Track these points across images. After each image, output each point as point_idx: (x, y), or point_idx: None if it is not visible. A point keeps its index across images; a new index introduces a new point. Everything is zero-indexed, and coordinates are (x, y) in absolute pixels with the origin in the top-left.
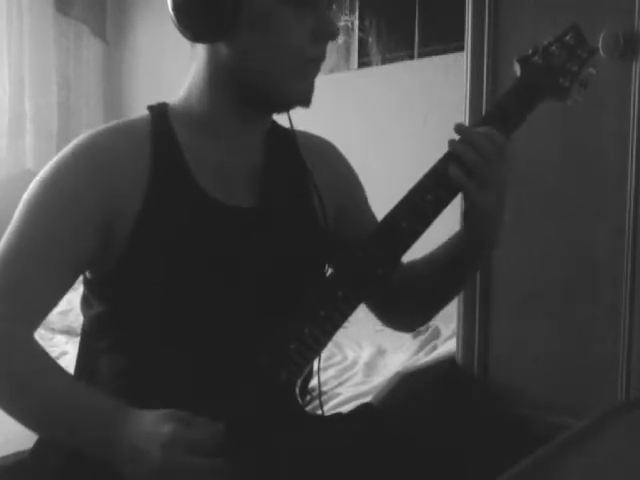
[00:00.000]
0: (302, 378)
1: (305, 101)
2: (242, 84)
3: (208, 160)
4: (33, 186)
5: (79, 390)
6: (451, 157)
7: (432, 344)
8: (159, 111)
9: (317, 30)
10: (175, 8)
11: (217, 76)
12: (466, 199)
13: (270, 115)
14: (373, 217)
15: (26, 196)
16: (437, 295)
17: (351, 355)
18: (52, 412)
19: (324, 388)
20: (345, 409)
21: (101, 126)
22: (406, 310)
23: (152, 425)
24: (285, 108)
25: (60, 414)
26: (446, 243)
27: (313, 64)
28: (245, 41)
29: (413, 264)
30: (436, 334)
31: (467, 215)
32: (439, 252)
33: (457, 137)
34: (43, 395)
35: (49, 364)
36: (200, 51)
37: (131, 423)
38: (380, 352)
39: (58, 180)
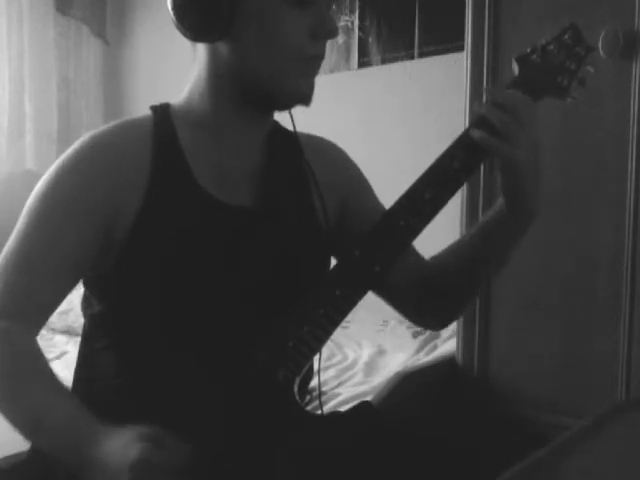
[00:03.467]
0: (301, 377)
1: (305, 100)
2: (242, 83)
3: (209, 159)
4: (38, 188)
5: (60, 400)
6: (448, 156)
7: (432, 344)
8: (161, 111)
9: (316, 28)
10: (174, 8)
11: (217, 76)
12: (501, 159)
13: (271, 115)
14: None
15: (31, 198)
16: (473, 279)
17: (351, 355)
18: (33, 419)
19: (324, 388)
20: (345, 409)
21: (103, 126)
22: (442, 304)
23: (122, 446)
24: (285, 107)
25: (39, 421)
26: (481, 222)
27: (313, 62)
28: (244, 40)
29: (443, 252)
30: (436, 334)
31: (504, 175)
32: (474, 232)
33: (456, 138)
34: (27, 400)
35: (41, 369)
36: (201, 51)
37: (102, 442)
38: (380, 352)
39: (61, 181)
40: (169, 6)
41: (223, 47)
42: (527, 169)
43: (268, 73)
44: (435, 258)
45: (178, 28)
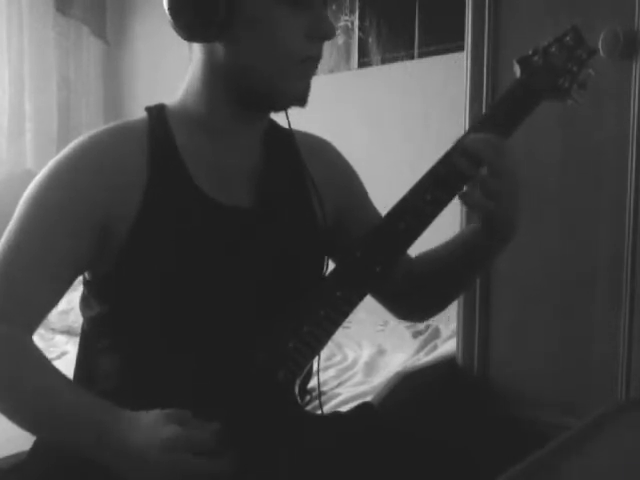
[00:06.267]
0: (301, 377)
1: (301, 100)
2: (237, 84)
3: (205, 160)
4: (32, 187)
5: (72, 392)
6: (448, 159)
7: (432, 344)
8: (156, 112)
9: (311, 29)
10: (170, 8)
11: (213, 76)
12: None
13: (267, 115)
14: (376, 214)
15: (25, 197)
16: (452, 285)
17: (351, 355)
18: (44, 412)
19: (324, 388)
20: (345, 409)
21: (100, 128)
22: (420, 300)
23: (151, 427)
24: (281, 108)
25: (52, 415)
26: (461, 233)
27: (308, 63)
28: (240, 41)
29: (425, 255)
30: (436, 334)
31: (486, 223)
32: (455, 241)
33: (455, 141)
34: (36, 396)
35: (44, 365)
36: (197, 51)
37: (125, 426)
38: (380, 352)
39: (57, 181)
40: (165, 5)
41: (219, 47)
42: (508, 215)
43: (263, 74)
44: (420, 258)
45: (174, 28)
